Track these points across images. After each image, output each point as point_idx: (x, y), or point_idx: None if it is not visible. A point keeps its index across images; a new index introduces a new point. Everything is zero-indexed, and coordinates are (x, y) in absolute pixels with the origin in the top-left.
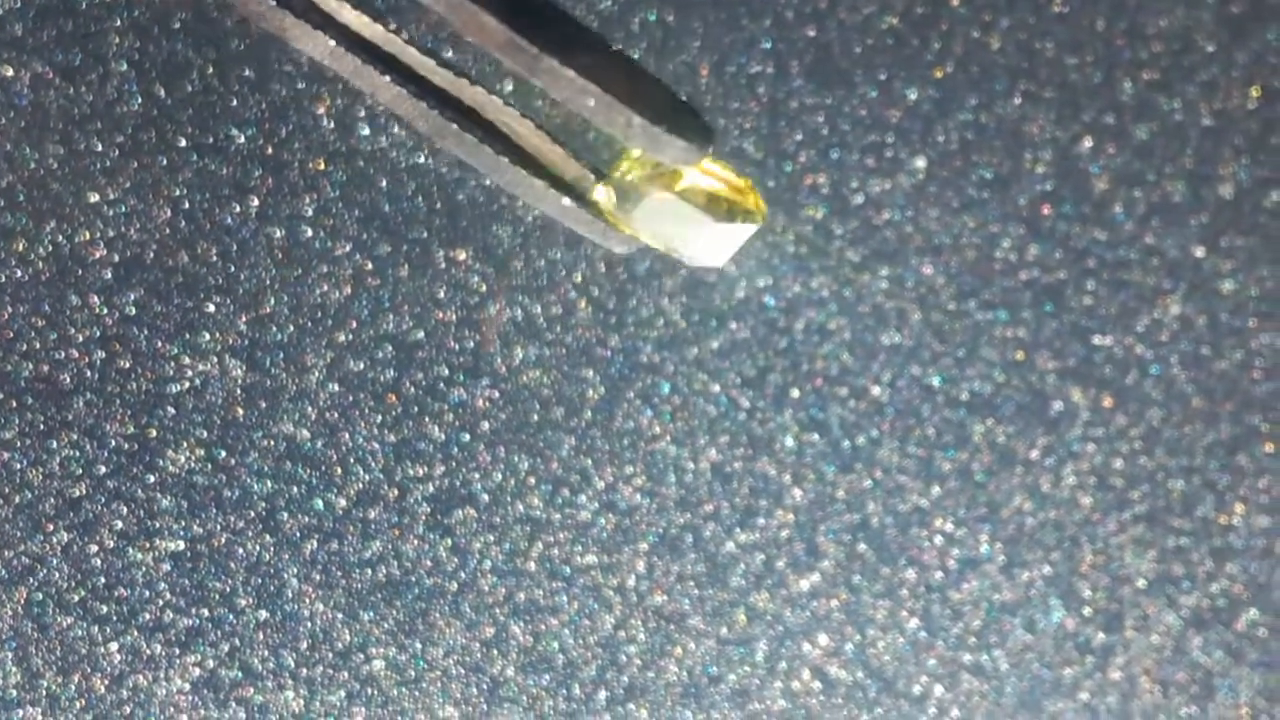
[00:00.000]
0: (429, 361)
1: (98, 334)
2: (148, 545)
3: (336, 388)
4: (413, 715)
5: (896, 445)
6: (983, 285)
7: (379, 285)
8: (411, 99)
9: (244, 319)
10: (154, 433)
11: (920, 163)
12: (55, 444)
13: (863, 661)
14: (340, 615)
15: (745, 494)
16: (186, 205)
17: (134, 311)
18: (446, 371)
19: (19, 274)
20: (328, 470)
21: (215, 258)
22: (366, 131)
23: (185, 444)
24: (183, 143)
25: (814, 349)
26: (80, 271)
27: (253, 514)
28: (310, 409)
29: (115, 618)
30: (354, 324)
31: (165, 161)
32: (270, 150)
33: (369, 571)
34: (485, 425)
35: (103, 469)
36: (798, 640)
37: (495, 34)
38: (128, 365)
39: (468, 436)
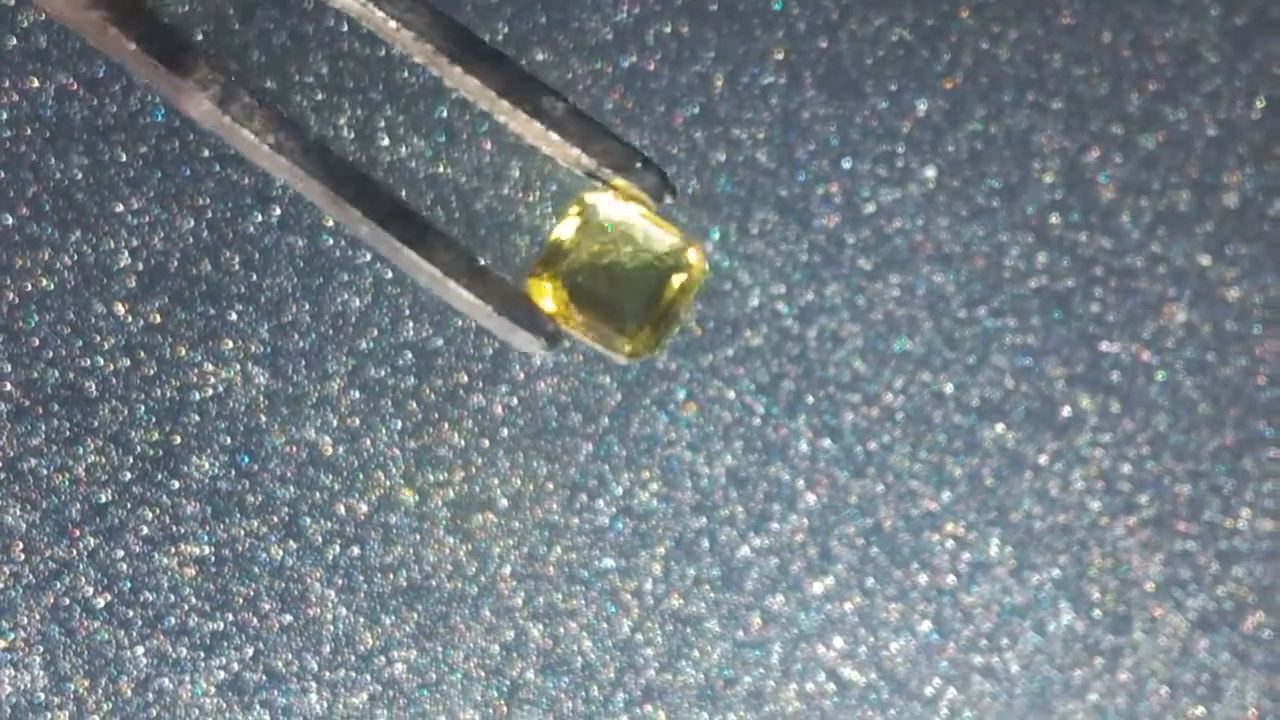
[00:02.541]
0: (448, 368)
1: (123, 342)
2: (173, 550)
3: (358, 394)
4: (434, 717)
5: (908, 450)
6: (992, 293)
7: (399, 293)
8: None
9: (266, 327)
10: (178, 439)
11: (930, 172)
12: (81, 450)
13: (876, 663)
14: (362, 619)
15: (760, 499)
16: (210, 214)
17: (158, 319)
18: (466, 378)
19: (45, 283)
20: (349, 476)
21: (238, 266)
22: (386, 142)
23: (209, 450)
24: (206, 153)
25: (827, 356)
26: (105, 280)
27: (276, 519)
28: (332, 415)
29: (141, 622)
30: (375, 331)
31: (189, 171)
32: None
33: (390, 576)
34: (504, 431)
35: (128, 475)
36: (812, 643)
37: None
38: (152, 372)
39: (487, 442)
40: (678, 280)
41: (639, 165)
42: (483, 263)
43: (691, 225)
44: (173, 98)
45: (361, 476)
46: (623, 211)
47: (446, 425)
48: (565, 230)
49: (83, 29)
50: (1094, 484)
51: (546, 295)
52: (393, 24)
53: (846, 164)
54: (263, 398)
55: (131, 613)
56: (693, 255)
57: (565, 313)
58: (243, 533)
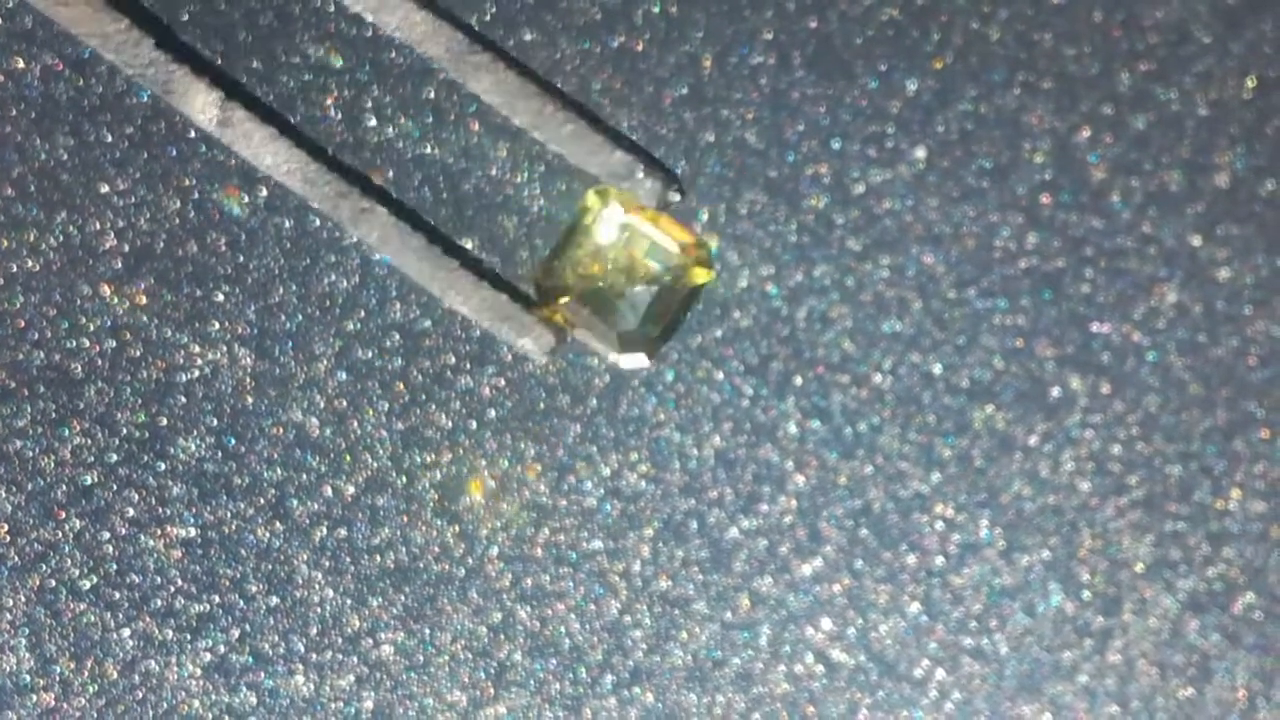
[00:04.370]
0: (436, 350)
1: (108, 323)
2: (159, 532)
3: (345, 376)
4: (421, 699)
5: (898, 432)
6: (982, 274)
7: (386, 275)
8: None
9: (253, 308)
10: (164, 421)
11: (920, 153)
12: (67, 432)
13: (865, 645)
14: (349, 601)
15: (748, 480)
16: (196, 195)
17: (144, 300)
18: (453, 359)
19: (30, 264)
20: (336, 457)
21: (224, 247)
22: (373, 123)
23: (195, 432)
24: (192, 134)
25: (816, 337)
26: (91, 261)
27: (263, 501)
28: (319, 397)
29: (127, 604)
30: (362, 313)
31: (175, 152)
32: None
33: (378, 557)
34: (492, 413)
35: (114, 457)
36: (800, 624)
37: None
38: (138, 354)
39: (475, 424)
40: (681, 292)
41: (646, 168)
42: (490, 267)
43: (681, 206)
44: (176, 97)
45: (349, 458)
46: (631, 218)
47: (434, 407)
48: (574, 233)
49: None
50: (1084, 465)
51: (553, 301)
52: (416, 18)
53: (836, 144)
54: (249, 379)
55: (118, 595)
56: (698, 266)
57: (570, 319)
58: (229, 514)
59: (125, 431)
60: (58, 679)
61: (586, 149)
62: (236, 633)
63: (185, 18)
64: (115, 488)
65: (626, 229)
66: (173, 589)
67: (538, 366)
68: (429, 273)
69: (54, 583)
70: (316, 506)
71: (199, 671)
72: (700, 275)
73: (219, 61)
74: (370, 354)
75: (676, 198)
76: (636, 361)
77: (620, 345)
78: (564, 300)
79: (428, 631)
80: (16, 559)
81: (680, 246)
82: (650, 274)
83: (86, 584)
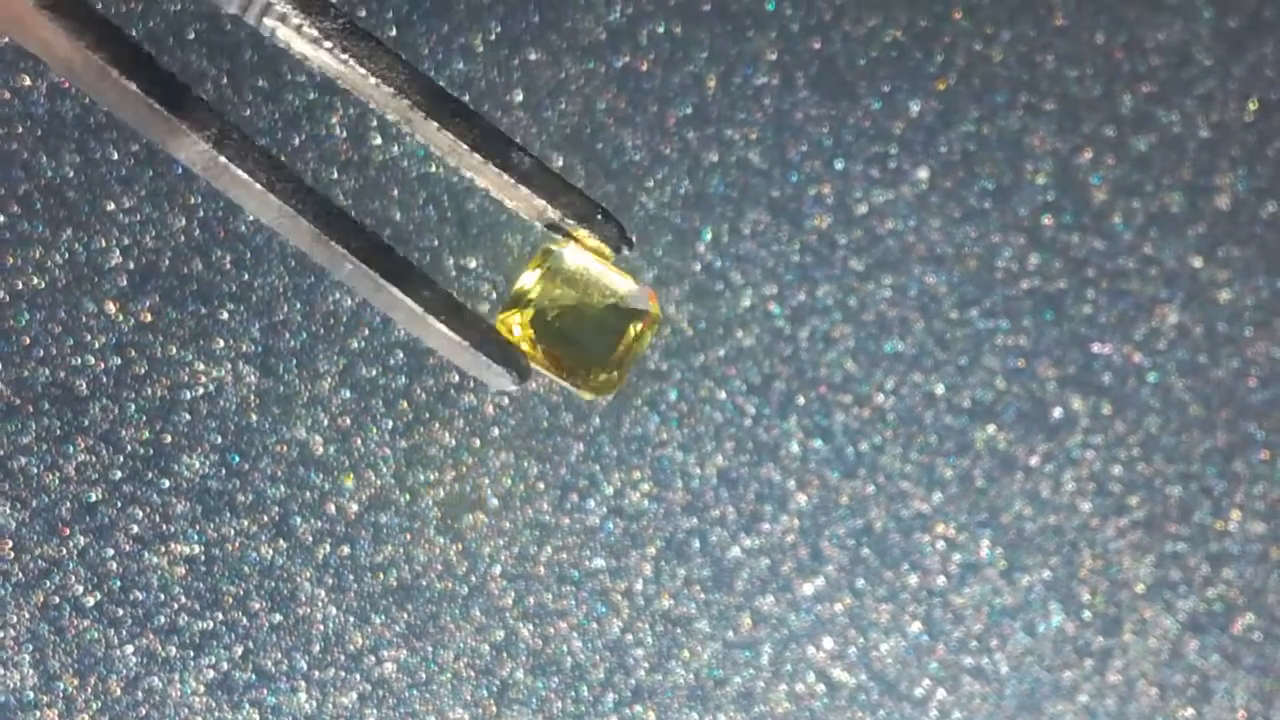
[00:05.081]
0: (439, 368)
1: (114, 340)
2: (163, 549)
3: (349, 394)
4: (423, 717)
5: (899, 451)
6: (984, 294)
7: None
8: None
9: (257, 326)
10: (169, 438)
11: (923, 173)
12: (72, 449)
13: (866, 664)
14: (352, 618)
15: (751, 499)
16: (201, 213)
17: (149, 318)
18: (457, 378)
19: (36, 281)
20: (340, 475)
21: (229, 265)
22: (378, 141)
23: (199, 449)
24: None
25: (818, 356)
26: (96, 279)
27: (266, 519)
28: (323, 414)
29: (131, 620)
30: (366, 331)
31: (180, 170)
32: (283, 159)
33: (380, 575)
34: (495, 431)
35: (118, 474)
36: (802, 643)
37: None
38: (143, 371)
39: (478, 442)
40: (636, 326)
41: (599, 217)
42: (459, 300)
43: (684, 225)
44: (165, 140)
45: (352, 476)
46: (585, 260)
47: (438, 424)
48: (529, 279)
49: (73, 70)
50: (1085, 485)
51: (515, 333)
52: (371, 80)
53: (839, 165)
54: (253, 396)
55: (121, 611)
56: (649, 303)
57: (533, 352)
58: (233, 532)
59: (129, 448)
60: (61, 695)
61: (548, 193)
62: (239, 650)
63: (191, 36)
64: (119, 504)
65: (585, 266)
66: (176, 606)
67: (541, 385)
68: (400, 305)
69: (58, 599)
70: (320, 524)
71: (202, 688)
72: (654, 308)
73: (224, 80)
74: (374, 372)
75: (627, 250)
76: (595, 389)
77: (583, 372)
78: (525, 330)
79: (430, 649)
80: (20, 575)
81: (634, 283)
82: (608, 304)
83: (90, 600)
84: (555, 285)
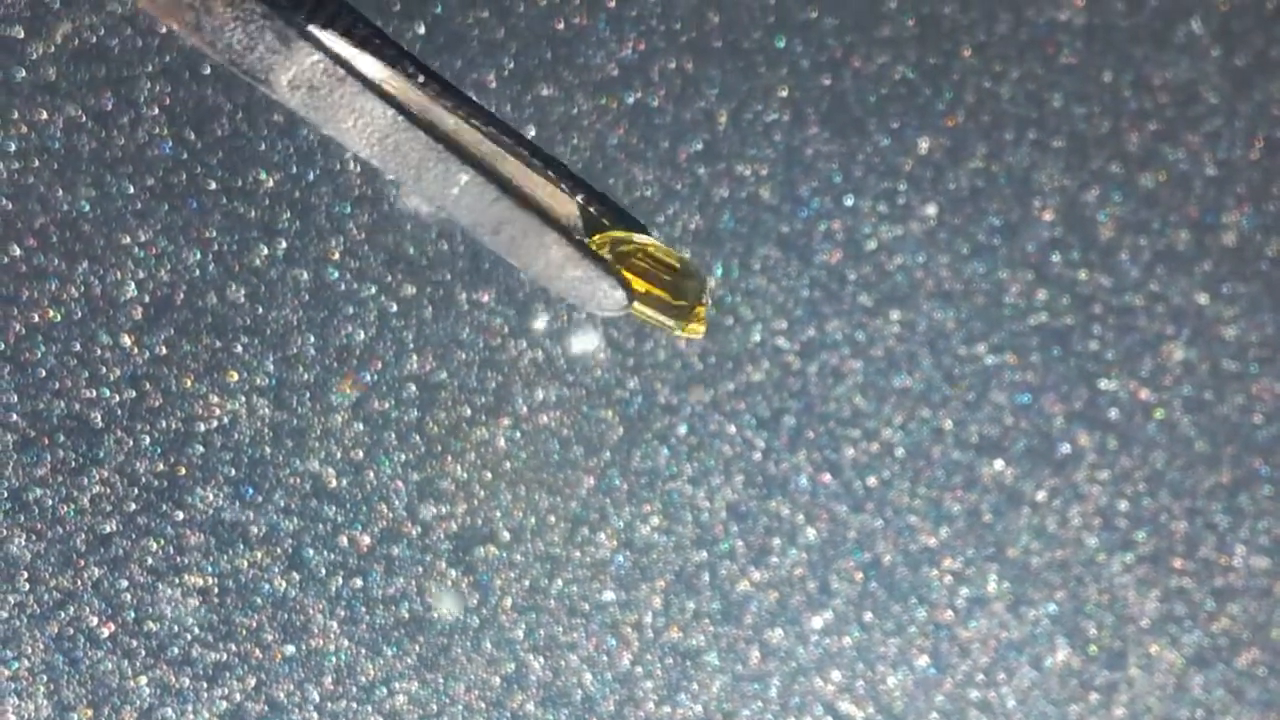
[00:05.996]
0: (452, 401)
1: (128, 373)
2: (176, 581)
3: (361, 427)
4: None
5: (907, 486)
6: (992, 330)
7: (403, 326)
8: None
9: (271, 359)
10: (183, 470)
11: (931, 210)
12: (86, 481)
13: (874, 698)
14: (364, 650)
15: (760, 533)
16: (216, 247)
17: (164, 351)
18: (469, 411)
19: (52, 314)
20: (352, 508)
21: (243, 299)
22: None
23: (213, 481)
24: (212, 186)
25: (828, 391)
26: (112, 312)
27: (279, 551)
28: (335, 448)
29: (144, 652)
30: (379, 364)
31: (195, 204)
32: (298, 194)
33: (393, 608)
34: (506, 464)
35: (133, 506)
36: (810, 677)
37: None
38: (158, 404)
39: (489, 475)
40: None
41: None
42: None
43: (695, 260)
44: (269, 60)
45: (365, 508)
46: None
47: (449, 458)
48: (602, 246)
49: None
50: (1091, 520)
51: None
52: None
53: (848, 201)
54: (267, 429)
55: (135, 643)
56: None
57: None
58: (246, 564)
59: (144, 481)
60: None
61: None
62: (252, 681)
63: (207, 71)
64: (134, 536)
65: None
66: (189, 637)
67: (551, 420)
68: (518, 220)
69: (72, 630)
70: (332, 556)
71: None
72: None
73: (239, 115)
74: (387, 405)
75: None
76: (691, 328)
77: (680, 308)
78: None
79: (441, 681)
80: (35, 607)
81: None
82: (678, 255)
83: (104, 632)
84: (630, 244)
